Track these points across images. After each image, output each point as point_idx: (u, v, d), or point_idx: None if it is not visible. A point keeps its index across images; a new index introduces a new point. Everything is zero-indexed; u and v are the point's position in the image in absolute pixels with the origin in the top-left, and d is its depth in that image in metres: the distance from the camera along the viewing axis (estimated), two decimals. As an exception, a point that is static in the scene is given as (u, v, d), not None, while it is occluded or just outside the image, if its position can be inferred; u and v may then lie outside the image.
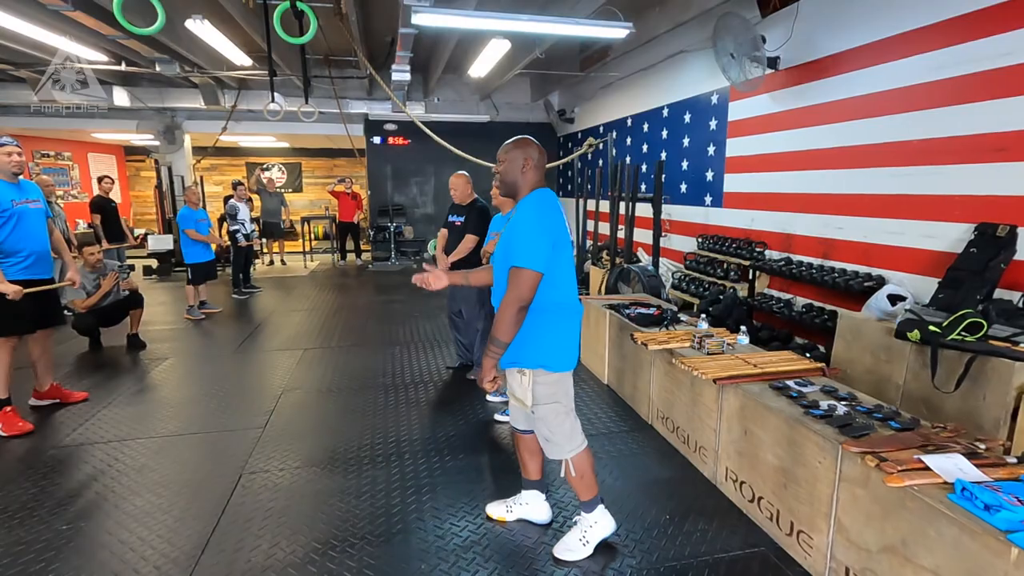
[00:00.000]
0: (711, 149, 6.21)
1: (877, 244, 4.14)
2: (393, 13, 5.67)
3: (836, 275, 4.24)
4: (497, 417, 3.63)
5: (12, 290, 3.27)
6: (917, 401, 3.02)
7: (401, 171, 11.58)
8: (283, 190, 14.68)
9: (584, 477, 2.25)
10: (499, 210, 3.73)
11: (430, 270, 2.29)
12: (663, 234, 6.62)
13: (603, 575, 2.18)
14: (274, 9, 4.62)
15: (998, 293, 3.19)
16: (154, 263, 9.76)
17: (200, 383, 4.43)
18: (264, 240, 10.93)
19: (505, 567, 2.23)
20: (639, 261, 6.76)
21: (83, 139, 12.27)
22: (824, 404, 2.34)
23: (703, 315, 4.04)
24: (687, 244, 6.67)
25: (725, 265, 5.65)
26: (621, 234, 6.68)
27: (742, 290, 5.27)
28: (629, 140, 8.26)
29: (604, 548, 2.32)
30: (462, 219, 4.13)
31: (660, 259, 6.24)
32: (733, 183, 5.87)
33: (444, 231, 4.32)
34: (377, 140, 11.27)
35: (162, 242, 9.77)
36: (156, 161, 11.02)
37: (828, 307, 4.39)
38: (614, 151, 8.31)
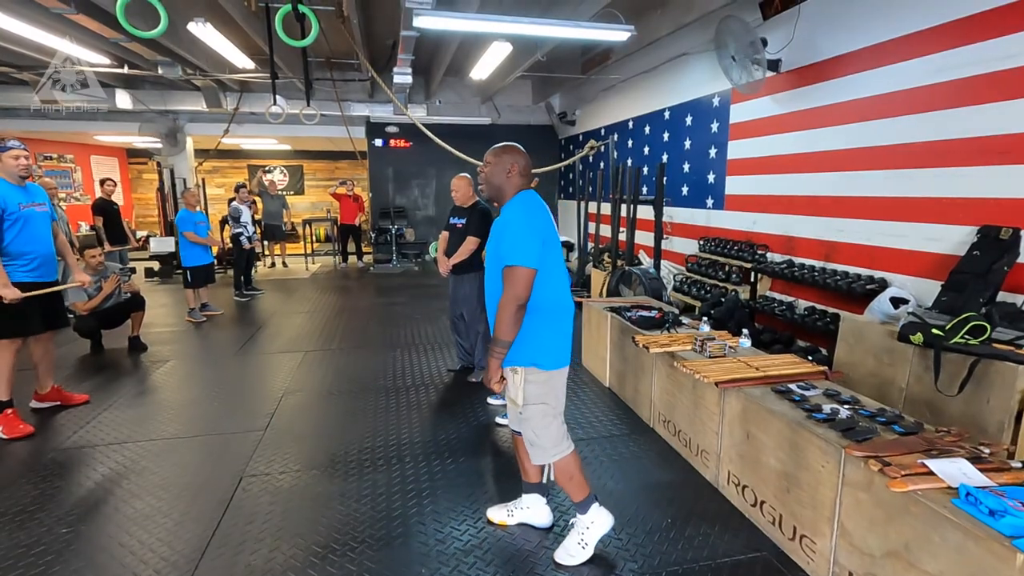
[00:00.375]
0: (713, 151, 6.20)
1: (879, 247, 4.13)
2: (395, 16, 5.68)
3: (838, 278, 4.23)
4: (498, 420, 3.62)
5: (10, 296, 3.27)
6: (920, 405, 3.00)
7: (402, 173, 11.59)
8: (285, 192, 14.70)
9: (574, 478, 2.25)
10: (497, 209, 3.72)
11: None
12: (664, 237, 6.61)
13: (604, 580, 2.17)
14: (276, 12, 4.64)
15: (1001, 296, 3.18)
16: (156, 265, 9.78)
17: (201, 385, 4.42)
18: (266, 242, 10.94)
19: (506, 571, 2.22)
20: (640, 264, 6.75)
21: (85, 142, 12.31)
22: (827, 408, 2.32)
23: (705, 318, 4.02)
24: (689, 247, 6.66)
25: (727, 268, 5.64)
26: (623, 237, 6.68)
27: (744, 293, 5.26)
28: (630, 142, 8.26)
29: (605, 552, 2.31)
30: (463, 221, 4.13)
31: (661, 262, 6.23)
32: (735, 185, 5.87)
33: (445, 233, 4.32)
34: (379, 142, 11.28)
35: (164, 244, 9.78)
36: (158, 163, 11.05)
37: (830, 310, 4.38)
38: (615, 153, 8.31)
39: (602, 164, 8.86)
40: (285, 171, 15.80)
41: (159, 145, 10.57)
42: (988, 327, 2.77)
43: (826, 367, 2.90)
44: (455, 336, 4.59)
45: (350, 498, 2.75)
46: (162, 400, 4.11)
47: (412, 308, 7.18)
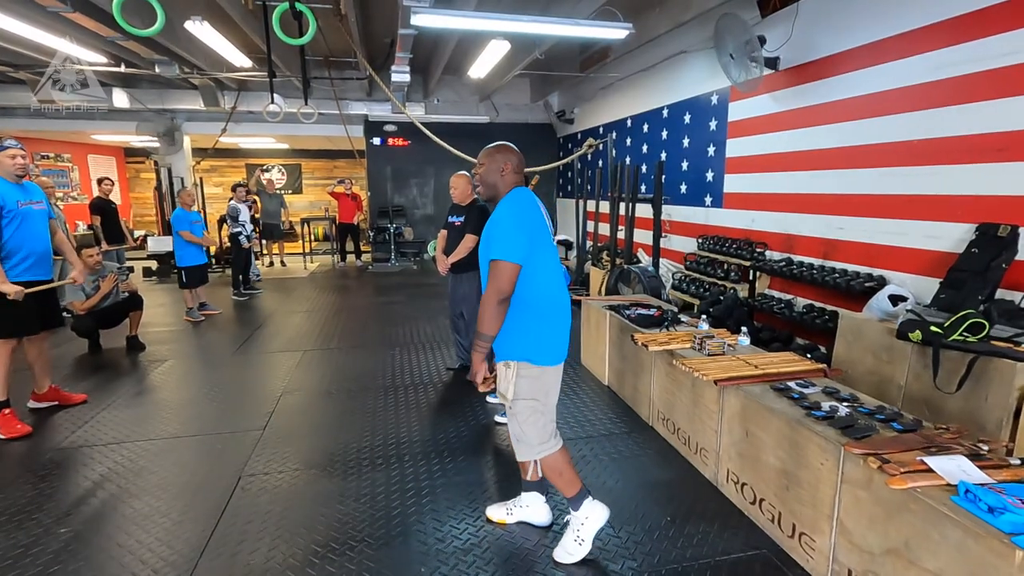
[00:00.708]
0: (711, 149, 6.20)
1: (878, 244, 4.13)
2: (392, 14, 5.67)
3: (837, 275, 4.23)
4: (497, 419, 3.62)
5: (13, 290, 3.28)
6: (919, 402, 3.00)
7: (401, 172, 11.57)
8: (283, 191, 14.68)
9: (563, 475, 2.25)
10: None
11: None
12: (663, 235, 6.61)
13: (604, 578, 2.17)
14: (273, 10, 4.62)
15: (1000, 293, 3.18)
16: (154, 265, 9.76)
17: (199, 385, 4.41)
18: (264, 241, 10.93)
19: (505, 570, 2.22)
20: (639, 262, 6.75)
21: (83, 141, 12.27)
22: (826, 405, 2.32)
23: (704, 316, 4.02)
24: (687, 245, 6.66)
25: (725, 266, 5.64)
26: (621, 235, 6.67)
27: (743, 291, 5.26)
28: (629, 141, 8.26)
29: (605, 550, 2.31)
30: (462, 219, 4.13)
31: (660, 260, 6.23)
32: (733, 183, 5.86)
33: (444, 232, 4.31)
34: (377, 141, 11.26)
35: (162, 244, 9.76)
36: (156, 163, 11.02)
37: (829, 308, 4.38)
38: (614, 152, 8.31)
39: (601, 162, 8.86)
40: (283, 170, 15.78)
41: (157, 144, 10.54)
42: (986, 324, 2.77)
43: (825, 365, 2.90)
44: (454, 335, 4.58)
45: (349, 497, 2.74)
46: (160, 400, 4.10)
47: (411, 307, 7.17)
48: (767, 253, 5.24)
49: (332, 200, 11.55)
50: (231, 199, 7.95)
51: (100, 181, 7.78)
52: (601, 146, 8.21)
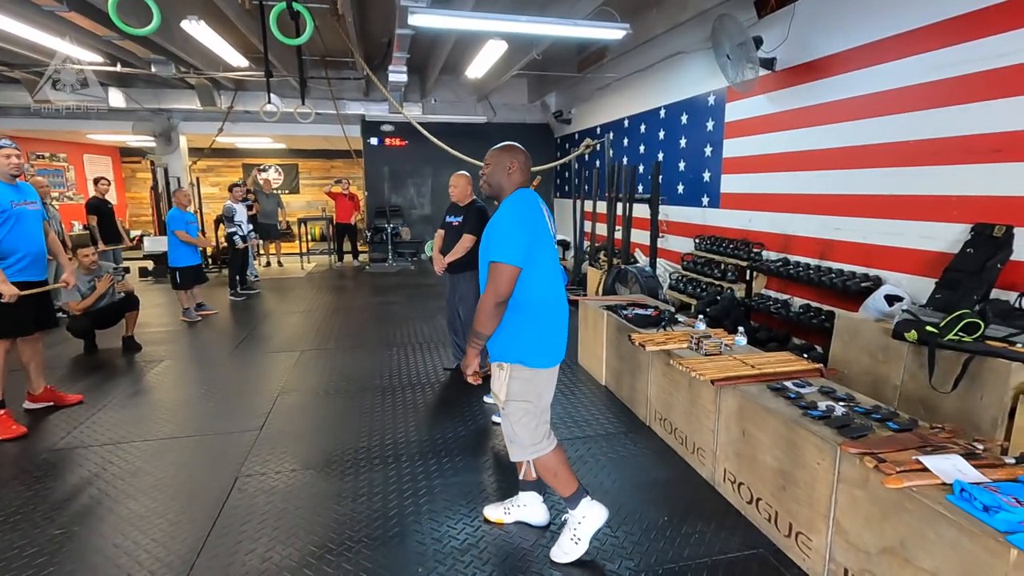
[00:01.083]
0: (708, 150, 6.21)
1: (874, 244, 4.14)
2: (390, 14, 5.66)
3: (833, 276, 4.24)
4: (494, 419, 3.61)
5: (9, 292, 3.25)
6: (915, 401, 3.01)
7: (398, 172, 11.56)
8: (280, 191, 14.64)
9: (558, 475, 2.25)
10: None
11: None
12: (660, 235, 6.62)
13: (601, 578, 2.17)
14: (270, 10, 4.61)
15: (995, 293, 3.20)
16: (150, 265, 9.73)
17: (196, 385, 4.40)
18: (261, 241, 10.90)
19: (503, 570, 2.22)
20: (636, 262, 6.76)
21: (79, 140, 12.22)
22: (822, 405, 2.33)
23: (700, 316, 4.02)
24: (684, 245, 6.67)
25: (722, 266, 5.65)
26: (618, 235, 6.68)
27: (739, 291, 5.27)
28: (626, 141, 8.27)
29: (602, 550, 2.31)
30: (460, 219, 4.13)
31: (657, 260, 6.24)
32: (730, 184, 5.88)
33: (441, 232, 4.31)
34: (374, 141, 11.25)
35: (158, 244, 9.72)
36: (152, 162, 10.98)
37: (825, 308, 4.39)
38: (611, 152, 8.30)
39: (598, 163, 8.86)
40: (280, 170, 15.74)
41: (153, 144, 10.50)
42: (982, 324, 2.78)
43: (821, 365, 2.91)
44: (452, 335, 4.58)
45: (346, 497, 2.74)
46: (157, 400, 4.09)
47: (408, 307, 7.17)
48: (764, 253, 5.25)
49: (329, 200, 11.52)
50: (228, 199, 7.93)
51: (96, 181, 7.74)
52: (598, 146, 8.22)
